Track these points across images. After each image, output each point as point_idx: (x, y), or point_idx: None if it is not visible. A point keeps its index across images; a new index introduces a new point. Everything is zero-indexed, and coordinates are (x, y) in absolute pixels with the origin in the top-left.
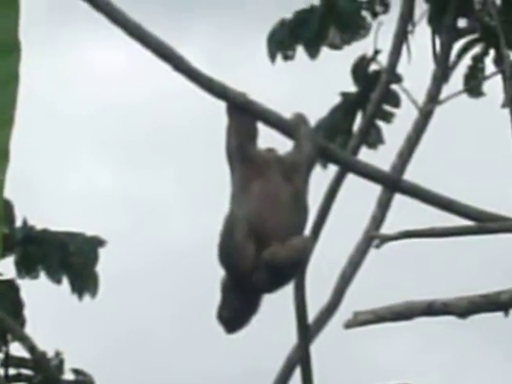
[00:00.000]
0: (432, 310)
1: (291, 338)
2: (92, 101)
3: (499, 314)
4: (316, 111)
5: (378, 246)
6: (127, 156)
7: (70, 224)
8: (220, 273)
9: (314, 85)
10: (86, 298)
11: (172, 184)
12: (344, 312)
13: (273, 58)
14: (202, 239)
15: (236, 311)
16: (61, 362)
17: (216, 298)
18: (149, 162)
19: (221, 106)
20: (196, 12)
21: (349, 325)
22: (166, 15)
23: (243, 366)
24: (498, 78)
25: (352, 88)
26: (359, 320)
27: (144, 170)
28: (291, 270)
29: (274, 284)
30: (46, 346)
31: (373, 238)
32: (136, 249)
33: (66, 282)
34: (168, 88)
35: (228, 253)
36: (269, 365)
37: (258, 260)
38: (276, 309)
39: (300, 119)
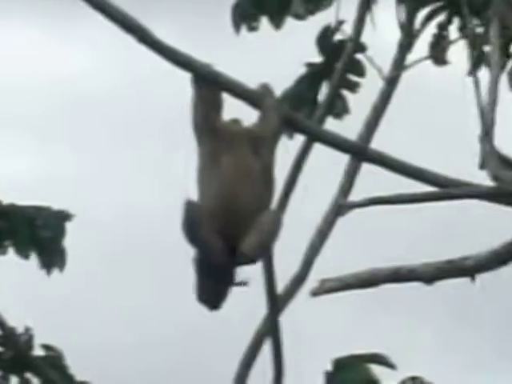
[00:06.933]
0: (398, 276)
1: (260, 310)
2: None
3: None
4: (281, 82)
5: (343, 214)
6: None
7: None
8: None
9: (278, 55)
10: (54, 272)
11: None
12: (313, 282)
13: (237, 28)
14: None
15: (213, 289)
16: (30, 338)
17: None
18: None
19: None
20: None
21: (315, 292)
22: None
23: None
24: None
25: (317, 58)
26: (326, 287)
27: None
28: (266, 250)
29: (250, 264)
30: (16, 321)
31: (341, 205)
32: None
33: (33, 256)
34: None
35: (196, 237)
36: (238, 337)
37: (229, 241)
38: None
39: (266, 90)
